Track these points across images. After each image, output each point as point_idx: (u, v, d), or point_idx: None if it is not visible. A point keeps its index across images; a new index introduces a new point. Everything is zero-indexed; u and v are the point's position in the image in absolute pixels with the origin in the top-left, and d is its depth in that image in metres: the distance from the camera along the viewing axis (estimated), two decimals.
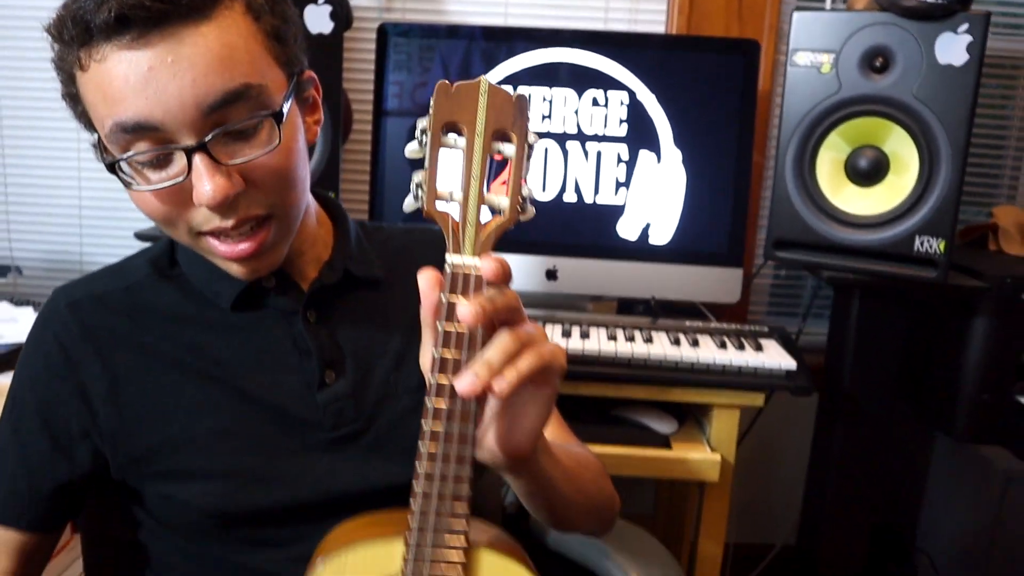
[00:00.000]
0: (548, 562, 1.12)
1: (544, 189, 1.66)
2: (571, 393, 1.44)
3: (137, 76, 0.66)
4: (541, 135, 1.64)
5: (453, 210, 0.63)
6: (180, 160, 0.70)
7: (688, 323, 1.57)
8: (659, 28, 1.87)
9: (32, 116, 1.95)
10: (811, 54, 1.42)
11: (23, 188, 1.98)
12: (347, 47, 1.79)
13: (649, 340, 1.46)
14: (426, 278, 0.63)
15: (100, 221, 2.01)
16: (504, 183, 0.65)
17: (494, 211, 0.64)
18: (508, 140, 0.63)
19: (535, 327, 0.64)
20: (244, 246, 0.74)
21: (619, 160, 1.64)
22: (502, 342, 0.62)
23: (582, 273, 1.66)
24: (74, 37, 0.67)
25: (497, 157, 0.63)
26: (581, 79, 1.63)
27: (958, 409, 1.63)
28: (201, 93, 0.67)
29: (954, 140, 1.36)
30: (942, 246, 1.38)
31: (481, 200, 0.63)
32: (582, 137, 1.64)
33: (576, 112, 1.64)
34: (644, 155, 1.64)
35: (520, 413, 0.66)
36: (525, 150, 0.63)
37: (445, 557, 0.64)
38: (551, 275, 1.66)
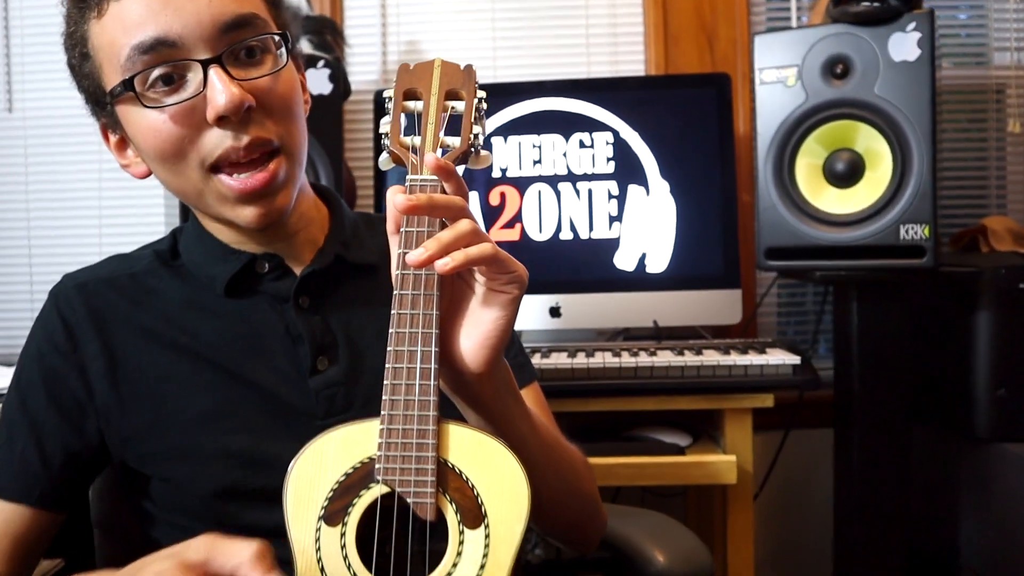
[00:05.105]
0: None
1: (541, 230, 1.73)
2: (580, 410, 1.46)
3: (157, 0, 0.75)
4: (534, 179, 1.73)
5: (415, 150, 0.74)
6: (195, 79, 0.77)
7: (692, 341, 1.60)
8: (639, 68, 2.00)
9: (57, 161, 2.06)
10: (776, 71, 1.51)
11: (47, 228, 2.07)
12: (348, 127, 1.92)
13: (654, 354, 1.49)
14: (392, 191, 0.70)
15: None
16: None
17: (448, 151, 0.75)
18: (460, 99, 0.75)
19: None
20: (258, 177, 0.79)
21: (610, 196, 1.72)
22: (458, 226, 0.68)
23: (584, 307, 1.71)
24: None
25: (449, 110, 0.75)
26: (567, 124, 1.73)
27: (975, 408, 1.62)
28: (217, 12, 0.76)
29: (921, 128, 1.42)
30: (927, 231, 1.43)
31: (436, 142, 0.73)
32: (572, 178, 1.73)
33: (565, 155, 1.73)
34: (633, 189, 1.72)
35: (479, 316, 0.71)
36: (474, 103, 0.75)
37: (417, 431, 0.67)
38: (555, 312, 1.71)
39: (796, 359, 1.42)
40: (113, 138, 0.86)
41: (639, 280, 1.70)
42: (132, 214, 2.04)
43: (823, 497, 1.86)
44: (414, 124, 0.75)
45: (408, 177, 0.72)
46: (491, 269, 0.69)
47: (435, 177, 0.71)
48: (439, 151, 0.73)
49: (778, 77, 1.52)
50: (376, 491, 0.67)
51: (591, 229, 1.72)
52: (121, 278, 0.89)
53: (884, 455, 1.61)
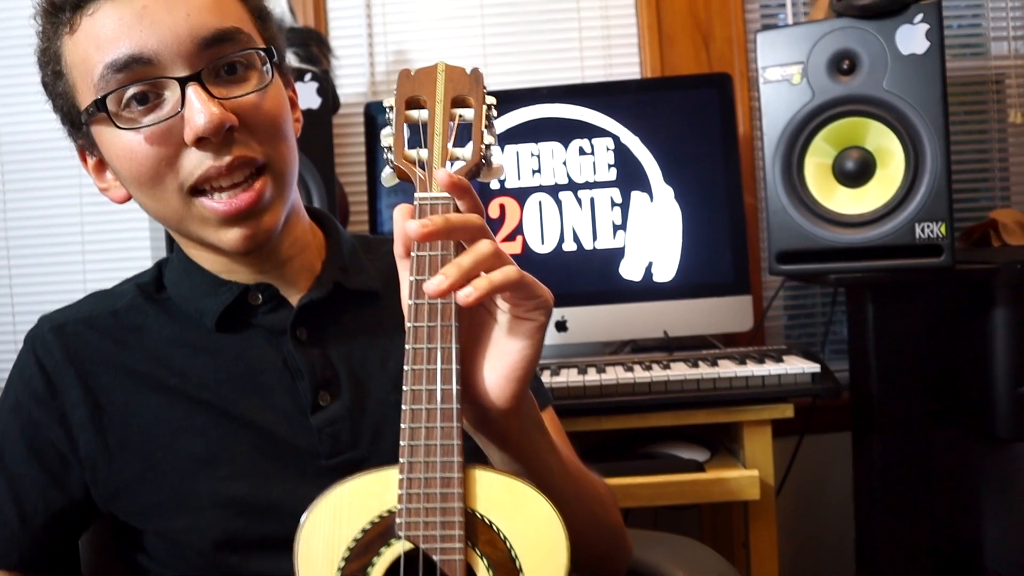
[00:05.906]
0: None
1: (543, 242, 1.67)
2: (593, 429, 1.40)
3: (132, 14, 0.70)
4: (533, 189, 1.67)
5: (422, 164, 0.67)
6: (173, 98, 0.72)
7: (705, 351, 1.55)
8: (634, 71, 1.95)
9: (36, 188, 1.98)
10: (780, 68, 1.46)
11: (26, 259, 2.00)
12: (338, 141, 1.86)
13: (667, 367, 1.43)
14: (399, 212, 0.64)
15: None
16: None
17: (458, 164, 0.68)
18: (467, 106, 0.69)
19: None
20: (242, 197, 0.74)
21: (613, 204, 1.67)
22: (477, 248, 0.62)
23: (591, 320, 1.65)
24: (67, 1, 0.71)
25: (457, 119, 0.69)
26: (565, 131, 1.67)
27: (995, 407, 1.57)
28: (196, 25, 0.71)
29: (933, 123, 1.38)
30: (943, 228, 1.38)
31: (445, 154, 0.67)
32: (573, 186, 1.67)
33: (564, 163, 1.67)
34: (636, 196, 1.67)
35: (503, 347, 0.65)
36: (483, 110, 0.68)
37: (441, 480, 0.61)
38: (560, 326, 1.65)
39: (815, 367, 1.36)
40: (91, 160, 0.81)
41: (647, 290, 1.65)
42: (117, 239, 1.97)
43: (840, 501, 1.82)
44: (419, 135, 0.68)
45: (416, 195, 0.66)
46: (516, 295, 0.63)
47: (445, 194, 0.64)
48: (448, 164, 0.67)
49: (782, 75, 1.47)
50: (398, 548, 0.61)
51: (595, 239, 1.67)
52: (102, 317, 0.83)
53: (904, 458, 1.56)
